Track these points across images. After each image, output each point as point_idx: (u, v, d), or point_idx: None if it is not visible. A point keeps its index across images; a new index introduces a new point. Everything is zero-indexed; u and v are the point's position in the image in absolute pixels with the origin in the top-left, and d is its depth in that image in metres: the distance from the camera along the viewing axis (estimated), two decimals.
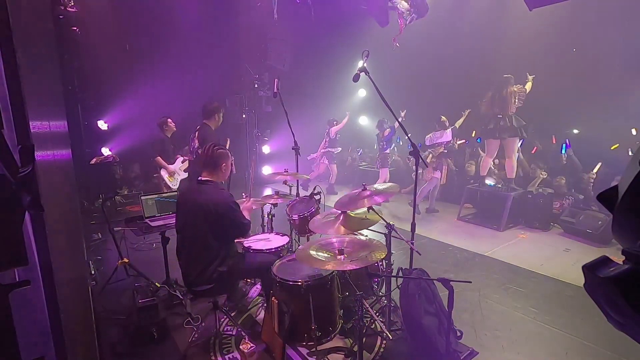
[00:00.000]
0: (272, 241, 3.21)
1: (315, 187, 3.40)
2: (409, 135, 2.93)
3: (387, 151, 7.14)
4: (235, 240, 2.88)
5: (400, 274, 2.77)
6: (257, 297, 3.31)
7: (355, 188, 3.12)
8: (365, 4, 6.36)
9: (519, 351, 2.68)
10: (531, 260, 4.31)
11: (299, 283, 2.40)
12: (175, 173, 5.50)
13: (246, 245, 3.11)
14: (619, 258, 0.57)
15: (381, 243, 2.43)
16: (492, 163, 6.24)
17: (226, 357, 2.64)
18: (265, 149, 9.06)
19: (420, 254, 2.80)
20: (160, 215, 3.51)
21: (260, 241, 3.20)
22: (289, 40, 8.80)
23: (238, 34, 8.78)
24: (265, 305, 3.04)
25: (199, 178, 2.69)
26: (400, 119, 5.97)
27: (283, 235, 3.38)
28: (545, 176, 6.09)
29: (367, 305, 2.76)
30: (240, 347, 2.46)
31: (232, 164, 2.80)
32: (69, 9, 6.01)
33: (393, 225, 2.64)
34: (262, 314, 3.08)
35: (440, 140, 6.34)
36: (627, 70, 6.19)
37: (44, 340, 1.04)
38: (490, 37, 7.34)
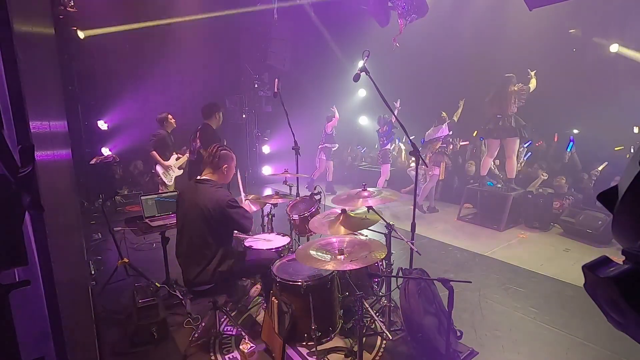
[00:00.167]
0: (273, 241, 3.21)
1: (316, 187, 3.42)
2: (412, 137, 2.95)
3: (388, 147, 7.14)
4: (235, 234, 2.86)
5: (400, 274, 2.77)
6: (257, 297, 3.31)
7: (355, 188, 3.12)
8: (365, 4, 6.36)
9: (519, 351, 2.69)
10: (531, 260, 4.31)
11: (299, 283, 2.40)
12: (169, 168, 5.53)
13: (247, 244, 3.11)
14: (619, 258, 0.57)
15: (381, 243, 2.42)
16: (492, 163, 6.24)
17: (226, 357, 2.64)
18: (265, 149, 9.06)
19: (420, 254, 2.80)
20: (160, 215, 3.52)
21: (262, 241, 3.20)
22: (289, 40, 8.80)
23: (238, 34, 8.79)
24: (265, 305, 3.04)
25: (198, 177, 2.68)
26: (395, 111, 6.00)
27: (284, 235, 3.38)
28: (546, 177, 6.09)
29: (367, 305, 2.77)
30: (240, 347, 2.46)
31: (235, 166, 2.80)
32: (69, 9, 6.01)
33: (393, 225, 2.64)
34: (262, 314, 3.09)
35: (436, 135, 6.29)
36: (627, 70, 6.20)
37: (44, 340, 1.04)
38: (490, 38, 7.34)
